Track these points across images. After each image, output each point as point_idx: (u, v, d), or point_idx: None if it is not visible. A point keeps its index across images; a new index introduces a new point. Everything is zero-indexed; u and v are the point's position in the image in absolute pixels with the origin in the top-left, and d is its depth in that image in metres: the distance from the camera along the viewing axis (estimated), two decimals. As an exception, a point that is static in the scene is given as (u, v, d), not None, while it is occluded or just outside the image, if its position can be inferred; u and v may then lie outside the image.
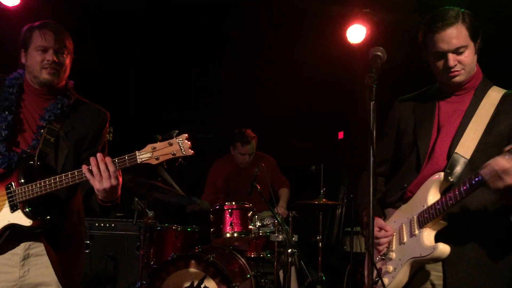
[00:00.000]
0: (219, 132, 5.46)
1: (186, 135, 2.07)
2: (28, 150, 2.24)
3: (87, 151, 2.31)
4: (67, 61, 2.33)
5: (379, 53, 2.06)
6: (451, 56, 2.07)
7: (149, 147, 2.05)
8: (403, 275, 2.08)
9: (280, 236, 3.87)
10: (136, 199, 4.04)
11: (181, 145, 2.05)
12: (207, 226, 4.00)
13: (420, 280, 2.09)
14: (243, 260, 3.89)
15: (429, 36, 2.11)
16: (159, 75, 5.34)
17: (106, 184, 2.06)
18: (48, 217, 2.20)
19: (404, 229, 2.13)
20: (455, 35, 2.05)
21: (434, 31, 2.08)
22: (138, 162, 2.05)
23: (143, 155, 2.05)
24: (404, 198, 2.18)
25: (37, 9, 4.78)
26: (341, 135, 6.03)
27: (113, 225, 4.68)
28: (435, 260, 2.00)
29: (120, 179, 2.11)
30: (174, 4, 4.86)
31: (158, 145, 2.05)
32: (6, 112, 2.25)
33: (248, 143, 4.55)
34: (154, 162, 2.05)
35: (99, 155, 2.08)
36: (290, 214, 4.16)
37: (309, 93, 5.45)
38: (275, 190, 4.59)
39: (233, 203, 3.93)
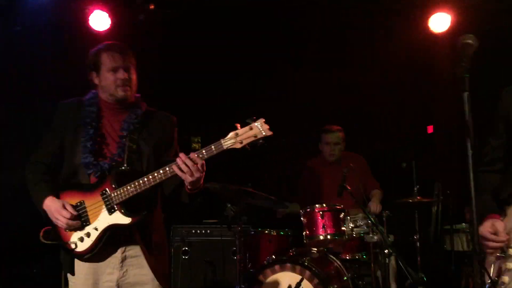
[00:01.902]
0: (306, 134, 5.45)
1: (263, 119, 2.28)
2: (115, 158, 2.48)
3: (165, 153, 2.57)
4: (134, 76, 2.58)
5: (470, 41, 1.97)
6: None
7: (232, 134, 2.28)
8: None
9: (375, 237, 3.79)
10: (229, 205, 4.16)
11: (260, 127, 2.27)
12: (299, 229, 4.01)
13: None
14: (338, 262, 3.86)
15: None
16: (241, 78, 5.43)
17: (196, 174, 2.30)
18: (144, 212, 2.43)
19: None
20: None
21: None
22: (224, 148, 2.28)
23: (228, 142, 2.28)
24: None
25: (125, 32, 5.09)
26: (430, 129, 5.78)
27: (208, 231, 4.83)
28: None
29: (203, 169, 2.34)
30: (256, 5, 4.94)
31: (240, 131, 2.28)
32: (89, 127, 2.51)
33: (331, 131, 4.57)
34: (238, 146, 2.27)
35: (181, 154, 2.32)
36: (384, 214, 4.05)
37: (393, 87, 5.30)
38: (366, 193, 4.49)
39: (324, 205, 3.91)
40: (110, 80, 2.52)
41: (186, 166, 2.29)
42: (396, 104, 5.42)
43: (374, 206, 4.36)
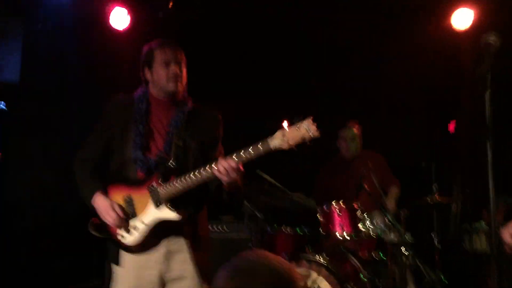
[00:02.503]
0: (323, 131, 5.42)
1: (311, 118, 2.24)
2: (162, 154, 2.52)
3: (211, 150, 2.60)
4: (184, 72, 2.63)
5: (492, 39, 1.95)
6: None
7: (279, 133, 2.25)
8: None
9: (393, 236, 3.76)
10: (246, 202, 4.17)
11: (308, 128, 2.22)
12: (316, 227, 4.00)
13: None
14: (355, 260, 3.84)
15: None
16: (261, 77, 5.43)
17: (233, 175, 2.32)
18: (192, 209, 2.47)
19: None
20: None
21: None
22: (271, 147, 2.26)
23: (275, 141, 2.25)
24: None
25: (144, 31, 5.13)
26: (451, 127, 5.70)
27: (225, 227, 4.85)
28: None
29: (241, 168, 2.36)
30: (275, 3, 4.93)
31: (287, 131, 2.24)
32: (139, 124, 2.55)
33: (347, 127, 4.56)
34: (285, 146, 2.24)
35: (220, 158, 2.35)
36: (402, 213, 4.01)
37: (416, 86, 5.24)
38: (384, 190, 4.45)
39: (341, 203, 3.90)
40: (163, 74, 2.57)
41: (223, 167, 2.31)
42: (417, 102, 5.36)
43: (389, 204, 4.32)
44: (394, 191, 4.60)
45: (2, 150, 3.45)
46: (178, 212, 2.43)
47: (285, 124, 2.23)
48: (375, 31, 5.14)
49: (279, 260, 1.31)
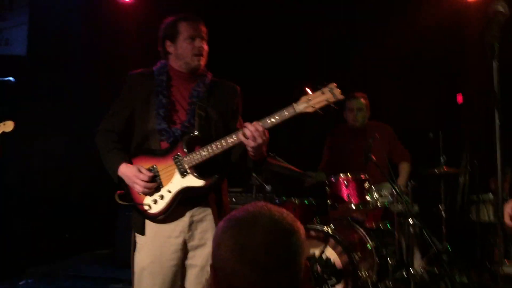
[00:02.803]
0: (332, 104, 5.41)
1: (335, 83, 2.33)
2: (186, 124, 2.57)
3: (232, 120, 2.66)
4: (207, 47, 2.67)
5: (502, 8, 1.92)
6: None
7: (304, 98, 2.33)
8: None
9: (400, 206, 3.80)
10: (254, 174, 4.20)
11: (333, 91, 2.32)
12: (324, 198, 4.03)
13: None
14: (362, 230, 3.89)
15: None
16: (268, 53, 5.40)
17: (259, 140, 2.36)
18: (216, 176, 2.51)
19: None
20: None
21: None
22: (297, 111, 2.33)
23: (300, 106, 2.33)
24: None
25: (150, 3, 5.09)
26: (460, 98, 5.65)
27: (233, 199, 4.90)
28: None
29: (266, 136, 2.40)
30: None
31: (312, 95, 2.33)
32: (161, 96, 2.58)
33: (354, 98, 4.53)
34: (311, 110, 2.32)
35: (247, 123, 2.40)
36: (409, 184, 4.03)
37: (424, 55, 5.19)
38: (394, 162, 4.45)
39: (349, 174, 3.92)
40: (188, 49, 2.60)
41: (249, 131, 2.36)
42: (425, 73, 5.31)
43: (400, 182, 4.35)
44: (405, 168, 4.57)
45: (13, 121, 3.49)
46: (204, 180, 2.48)
47: (308, 90, 2.31)
48: (384, 2, 5.06)
49: (281, 211, 1.29)
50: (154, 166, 2.55)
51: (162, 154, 2.55)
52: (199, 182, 2.48)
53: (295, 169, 3.94)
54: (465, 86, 5.19)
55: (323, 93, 2.31)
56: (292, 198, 4.08)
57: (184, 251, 2.59)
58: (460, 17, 4.83)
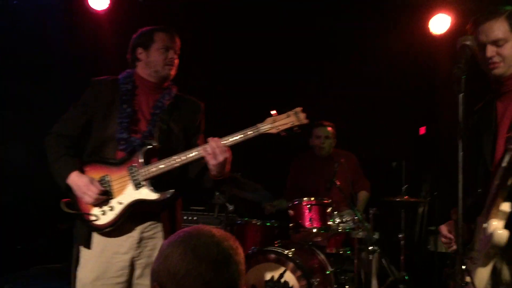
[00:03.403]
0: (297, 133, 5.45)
1: (301, 107, 2.41)
2: (146, 135, 2.51)
3: (194, 137, 2.63)
4: (177, 61, 2.68)
5: (468, 42, 2.00)
6: (489, 47, 2.11)
7: (269, 119, 2.39)
8: (479, 270, 2.07)
9: (361, 233, 3.81)
10: (217, 193, 4.15)
11: (298, 115, 2.39)
12: (286, 221, 4.02)
13: (506, 279, 2.07)
14: (322, 256, 3.88)
15: (475, 28, 2.17)
16: (246, 71, 5.41)
17: (220, 158, 2.35)
18: (172, 190, 2.44)
19: (482, 228, 2.11)
20: (494, 28, 2.11)
21: (478, 24, 2.16)
22: (261, 131, 2.38)
23: (264, 126, 2.38)
24: (479, 203, 2.15)
25: (124, 12, 5.04)
26: (423, 130, 5.80)
27: (195, 218, 4.82)
28: (495, 247, 1.99)
29: (229, 154, 2.40)
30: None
31: (277, 117, 2.39)
32: (125, 105, 2.54)
33: (322, 125, 4.60)
34: (274, 131, 2.37)
35: (210, 138, 2.39)
36: (371, 211, 4.07)
37: (391, 87, 5.30)
38: (354, 191, 4.49)
39: (312, 198, 3.92)
40: (160, 58, 2.60)
41: (211, 147, 2.35)
42: (390, 104, 5.43)
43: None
44: (363, 198, 4.65)
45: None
46: (159, 193, 2.41)
47: (273, 112, 2.38)
48: (353, 33, 5.17)
49: (223, 235, 1.37)
50: (106, 176, 2.47)
51: (116, 164, 2.48)
52: (153, 196, 2.41)
53: (260, 189, 3.91)
54: (431, 117, 5.33)
55: (288, 116, 2.37)
56: (254, 219, 4.05)
57: (132, 269, 2.48)
58: (430, 51, 4.98)
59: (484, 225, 2.03)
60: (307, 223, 3.84)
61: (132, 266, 2.48)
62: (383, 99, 5.39)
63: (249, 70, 5.29)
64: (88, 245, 2.48)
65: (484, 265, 2.06)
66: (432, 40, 4.95)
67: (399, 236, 4.23)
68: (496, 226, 1.99)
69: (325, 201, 3.90)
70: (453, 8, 4.70)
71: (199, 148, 2.39)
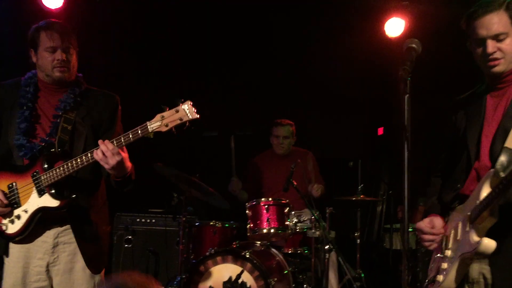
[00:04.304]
0: (258, 129, 5.48)
1: (190, 102, 2.24)
2: (47, 138, 2.41)
3: (106, 133, 2.48)
4: (74, 56, 2.50)
5: (414, 45, 2.05)
6: (490, 42, 2.00)
7: (158, 116, 2.23)
8: (455, 271, 2.04)
9: (317, 232, 3.85)
10: (175, 195, 4.12)
11: (187, 110, 2.21)
12: (244, 222, 4.02)
13: (473, 276, 2.06)
14: (280, 256, 3.90)
15: (470, 22, 2.05)
16: (198, 69, 5.39)
17: (111, 162, 2.25)
18: (74, 195, 2.36)
19: (459, 227, 2.09)
20: (495, 21, 1.99)
21: (475, 17, 2.02)
22: (150, 131, 2.23)
23: (153, 124, 2.22)
24: (458, 197, 2.15)
25: (78, 11, 4.93)
26: (380, 130, 5.93)
27: (153, 220, 4.78)
28: (481, 254, 1.95)
29: (124, 154, 2.30)
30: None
31: (165, 113, 2.22)
32: (24, 108, 2.44)
33: (282, 125, 4.62)
34: (164, 129, 2.22)
35: (100, 141, 2.27)
36: (327, 210, 4.12)
37: (348, 88, 5.39)
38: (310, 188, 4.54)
39: (270, 199, 3.94)
40: (47, 60, 2.44)
41: (100, 152, 2.24)
42: (349, 103, 5.52)
43: (315, 189, 4.39)
44: (319, 188, 4.69)
45: None
46: (60, 199, 2.34)
47: (164, 107, 2.23)
48: (311, 34, 5.23)
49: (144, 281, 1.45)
50: (14, 184, 2.41)
51: (22, 170, 2.41)
52: (54, 203, 2.35)
53: (213, 191, 3.89)
54: (387, 118, 5.45)
55: (177, 111, 2.21)
56: (213, 221, 4.04)
57: (50, 274, 2.44)
58: (386, 53, 5.08)
59: (467, 228, 2.00)
60: (264, 224, 3.85)
61: (48, 271, 2.44)
62: (341, 100, 5.48)
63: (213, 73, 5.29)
64: (6, 253, 2.45)
65: (461, 266, 2.03)
66: (388, 43, 5.06)
67: (355, 234, 4.30)
68: (478, 232, 1.95)
69: (283, 201, 3.93)
70: (407, 12, 4.82)
71: (94, 151, 2.28)
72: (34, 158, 2.40)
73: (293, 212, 3.93)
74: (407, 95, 1.95)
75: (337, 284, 4.22)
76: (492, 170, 1.99)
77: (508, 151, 1.97)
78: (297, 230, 3.93)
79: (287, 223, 3.87)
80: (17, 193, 2.40)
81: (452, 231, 2.13)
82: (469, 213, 2.00)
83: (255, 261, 3.57)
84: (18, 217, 2.38)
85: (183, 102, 2.22)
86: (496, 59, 2.01)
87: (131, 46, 5.20)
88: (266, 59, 5.38)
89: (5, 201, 2.37)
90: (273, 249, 3.92)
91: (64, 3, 4.79)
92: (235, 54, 5.36)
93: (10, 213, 2.39)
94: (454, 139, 2.24)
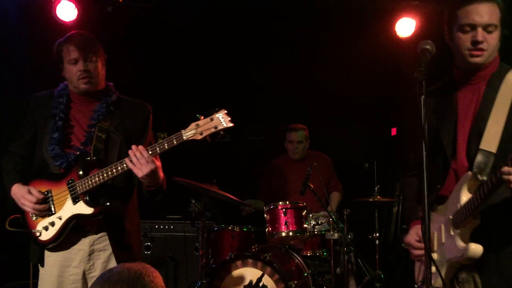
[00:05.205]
0: (271, 134, 5.51)
1: (225, 110, 2.25)
2: (82, 147, 2.47)
3: (137, 142, 2.48)
4: (99, 64, 2.53)
5: (428, 47, 2.05)
6: (480, 31, 2.01)
7: (192, 125, 2.25)
8: (445, 275, 2.07)
9: (336, 234, 3.87)
10: (193, 201, 4.17)
11: (221, 119, 2.23)
12: (263, 226, 4.06)
13: (463, 276, 2.08)
14: (299, 258, 3.92)
15: (463, 7, 2.06)
16: (211, 76, 5.44)
17: (145, 169, 2.27)
18: (108, 203, 2.40)
19: (442, 230, 2.12)
20: (489, 11, 2.01)
21: (470, 2, 2.04)
22: (184, 139, 2.25)
23: (188, 133, 2.24)
24: (438, 199, 2.16)
25: (92, 23, 5.01)
26: (394, 131, 5.92)
27: (172, 226, 4.82)
28: (469, 260, 1.98)
29: (158, 163, 2.32)
30: (229, 4, 4.97)
31: (200, 122, 2.24)
32: (57, 118, 2.50)
33: (295, 130, 4.65)
34: (198, 137, 2.24)
35: (133, 146, 2.30)
36: (345, 212, 4.14)
37: (361, 90, 5.40)
38: (328, 192, 4.57)
39: (287, 202, 3.97)
40: (72, 73, 2.51)
41: (135, 158, 2.27)
42: (362, 105, 5.53)
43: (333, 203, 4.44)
44: (336, 197, 4.75)
45: None
46: (94, 207, 2.38)
47: (199, 116, 2.26)
48: (324, 36, 5.26)
49: (133, 264, 1.49)
50: (49, 191, 2.47)
51: (58, 178, 2.46)
52: (88, 210, 2.39)
53: (233, 197, 3.93)
54: (400, 119, 5.44)
55: (212, 120, 2.24)
56: (231, 225, 4.07)
57: (86, 282, 2.48)
58: (397, 53, 5.09)
59: (451, 232, 2.02)
60: (283, 227, 3.89)
61: (86, 279, 2.48)
62: (354, 102, 5.49)
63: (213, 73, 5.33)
64: (41, 263, 2.49)
65: (449, 269, 2.05)
66: (400, 43, 5.07)
67: (374, 235, 4.31)
68: (463, 237, 1.97)
69: (300, 205, 3.95)
70: (418, 12, 4.83)
71: (126, 160, 2.31)
72: (69, 166, 2.45)
73: (311, 215, 3.95)
74: (423, 96, 1.96)
75: (355, 286, 4.23)
76: (469, 172, 2.01)
77: (484, 153, 1.99)
78: (315, 232, 3.95)
79: (305, 225, 3.90)
80: (52, 200, 2.45)
81: (435, 234, 2.16)
82: (451, 217, 2.02)
83: (275, 264, 3.60)
84: (52, 224, 2.43)
85: (217, 111, 2.24)
86: (481, 49, 2.03)
87: (144, 58, 5.27)
88: (277, 63, 5.42)
89: (40, 196, 2.41)
90: (292, 252, 3.94)
91: (78, 15, 4.88)
92: (246, 59, 5.41)
93: (45, 220, 2.45)
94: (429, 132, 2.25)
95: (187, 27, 5.20)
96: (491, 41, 2.03)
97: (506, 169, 1.78)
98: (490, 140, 1.99)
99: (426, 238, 1.90)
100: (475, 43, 2.03)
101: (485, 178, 1.98)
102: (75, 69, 2.48)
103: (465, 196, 2.01)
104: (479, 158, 2.00)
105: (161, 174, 2.39)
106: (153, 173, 2.30)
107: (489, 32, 2.02)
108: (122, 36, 5.08)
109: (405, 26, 4.94)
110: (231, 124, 2.24)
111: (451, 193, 2.08)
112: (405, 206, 2.38)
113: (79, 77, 2.48)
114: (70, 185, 2.43)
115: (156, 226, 4.82)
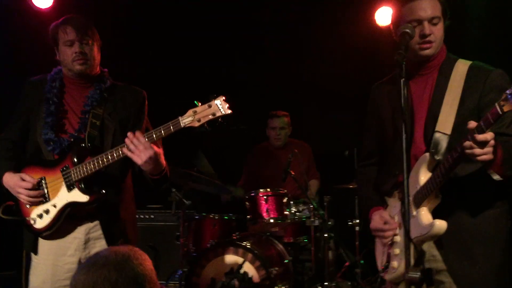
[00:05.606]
0: (253, 123, 5.50)
1: (223, 96, 2.22)
2: (76, 134, 2.42)
3: (133, 129, 2.40)
4: (95, 48, 2.49)
5: (408, 30, 2.08)
6: (426, 24, 2.09)
7: (190, 111, 2.20)
8: (410, 255, 2.04)
9: (316, 221, 3.90)
10: (174, 190, 4.14)
11: (219, 105, 2.19)
12: (244, 214, 4.05)
13: (432, 253, 2.11)
14: (280, 245, 3.94)
15: (407, 5, 2.13)
16: (193, 67, 5.40)
17: (143, 156, 2.22)
18: (103, 191, 2.36)
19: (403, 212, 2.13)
20: (431, 5, 2.10)
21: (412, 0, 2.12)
22: (182, 126, 2.20)
23: (186, 119, 2.20)
24: (397, 185, 2.21)
25: (68, 10, 4.91)
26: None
27: (152, 216, 4.79)
28: (434, 236, 2.03)
29: (158, 149, 2.27)
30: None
31: (198, 108, 2.20)
32: (50, 102, 2.45)
33: (277, 116, 4.67)
34: (196, 124, 2.19)
35: (129, 133, 2.25)
36: (325, 199, 4.16)
37: (339, 78, 5.42)
38: (306, 180, 4.59)
39: (268, 189, 3.98)
40: (67, 54, 2.46)
41: (133, 145, 2.22)
42: (340, 93, 5.55)
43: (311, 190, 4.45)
44: (314, 185, 4.77)
45: None
46: (89, 195, 2.34)
47: (197, 103, 2.22)
48: (304, 26, 5.26)
49: (120, 247, 1.49)
50: (43, 178, 2.42)
51: (52, 165, 2.41)
52: (84, 198, 2.35)
53: (215, 181, 3.93)
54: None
55: (210, 106, 2.19)
56: (212, 214, 4.06)
57: None
58: (376, 43, 5.12)
59: (413, 213, 2.05)
60: (264, 214, 3.89)
61: None
62: (334, 89, 5.51)
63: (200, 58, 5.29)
64: (35, 251, 2.44)
65: (415, 250, 2.05)
66: (380, 32, 5.09)
67: (354, 222, 4.35)
68: (426, 215, 2.02)
69: (281, 192, 3.97)
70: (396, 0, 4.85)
71: (122, 147, 2.26)
72: (63, 153, 2.40)
73: (291, 202, 3.97)
74: (403, 79, 1.99)
75: (335, 272, 4.27)
76: (427, 154, 2.07)
77: (440, 135, 2.05)
78: (296, 219, 3.97)
79: (286, 212, 3.91)
80: (46, 187, 2.40)
81: (396, 217, 2.20)
82: (411, 198, 2.06)
83: (256, 251, 3.61)
84: (47, 211, 2.38)
85: (215, 97, 2.19)
86: (430, 41, 2.11)
87: (123, 46, 5.20)
88: (258, 54, 5.41)
89: (34, 181, 2.36)
90: (273, 239, 3.95)
91: (54, 2, 4.78)
92: (227, 49, 5.38)
93: (39, 207, 2.39)
94: (381, 126, 2.32)
95: (169, 18, 5.15)
96: (437, 32, 2.12)
97: (467, 143, 1.83)
98: (445, 123, 2.06)
99: (406, 219, 1.93)
100: (423, 36, 2.10)
101: (440, 158, 2.03)
102: (71, 51, 2.44)
103: (423, 176, 2.07)
104: (435, 139, 2.07)
105: (163, 161, 2.34)
106: (152, 159, 2.24)
107: (434, 24, 2.11)
108: (101, 25, 5.00)
109: (385, 15, 4.96)
110: (229, 111, 2.21)
111: (410, 175, 2.10)
112: (361, 195, 2.43)
113: (74, 58, 2.43)
114: (64, 172, 2.37)
115: (136, 216, 4.76)
